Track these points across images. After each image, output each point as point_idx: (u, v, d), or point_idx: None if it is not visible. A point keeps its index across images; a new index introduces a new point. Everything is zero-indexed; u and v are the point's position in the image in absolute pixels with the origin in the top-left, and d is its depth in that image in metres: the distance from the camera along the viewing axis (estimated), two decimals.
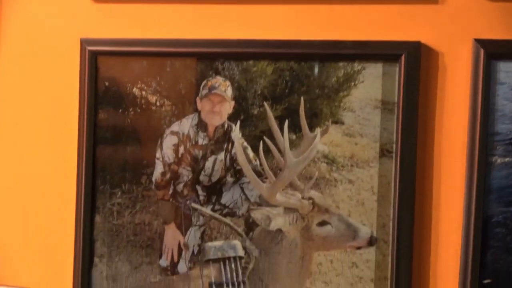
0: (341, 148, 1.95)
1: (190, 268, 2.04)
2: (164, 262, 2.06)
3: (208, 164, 2.02)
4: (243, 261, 2.01)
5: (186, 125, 2.03)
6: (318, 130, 1.95)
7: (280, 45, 1.95)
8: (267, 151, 1.96)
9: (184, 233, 2.04)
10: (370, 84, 1.92)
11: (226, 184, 2.02)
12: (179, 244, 2.05)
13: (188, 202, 2.04)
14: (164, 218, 2.06)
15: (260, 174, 1.98)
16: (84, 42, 2.05)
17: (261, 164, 1.96)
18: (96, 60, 2.05)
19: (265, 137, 1.97)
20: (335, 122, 1.95)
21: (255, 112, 1.98)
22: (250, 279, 2.00)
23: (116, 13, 2.08)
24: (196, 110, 2.02)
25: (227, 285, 2.01)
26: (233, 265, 2.01)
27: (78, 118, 2.07)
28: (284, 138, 1.93)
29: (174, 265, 2.05)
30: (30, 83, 2.14)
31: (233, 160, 2.01)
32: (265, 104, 1.97)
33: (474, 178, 1.85)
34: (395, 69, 1.89)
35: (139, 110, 2.05)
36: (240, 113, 1.99)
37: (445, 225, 1.90)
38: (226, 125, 2.01)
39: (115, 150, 2.07)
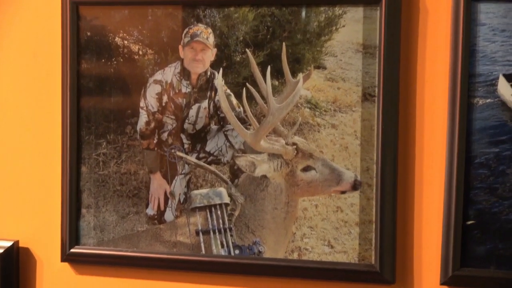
0: (323, 93, 1.96)
1: (176, 217, 2.06)
2: (151, 211, 2.07)
3: (192, 112, 2.03)
4: (229, 208, 2.02)
5: (169, 73, 2.03)
6: (300, 76, 1.95)
7: None
8: (250, 97, 1.96)
9: (170, 182, 2.06)
10: (351, 28, 1.92)
11: (210, 132, 2.03)
12: (165, 193, 2.06)
13: (173, 150, 2.05)
14: (150, 167, 2.07)
15: (244, 121, 1.98)
16: None
17: (244, 111, 1.97)
18: (78, 10, 2.05)
19: (248, 84, 1.97)
20: (317, 67, 1.95)
21: (238, 59, 1.99)
22: (237, 226, 2.02)
23: None
24: (178, 59, 2.02)
25: (214, 232, 2.02)
26: (219, 212, 2.02)
27: (61, 69, 2.07)
28: (266, 84, 1.93)
29: (161, 214, 2.07)
30: (10, 34, 2.14)
31: (217, 107, 2.01)
32: (247, 50, 1.97)
33: (456, 119, 1.85)
34: (376, 13, 1.89)
35: (121, 60, 2.05)
36: (223, 60, 1.99)
37: (428, 168, 1.91)
38: (209, 73, 2.01)
39: (99, 100, 2.08)
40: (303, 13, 1.94)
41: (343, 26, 1.92)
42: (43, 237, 2.16)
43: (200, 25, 2.00)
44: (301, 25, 1.95)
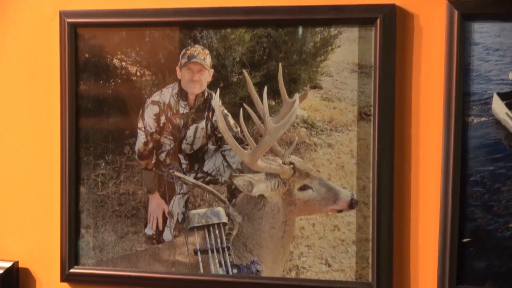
0: (320, 112, 1.97)
1: (175, 236, 2.07)
2: (149, 230, 2.08)
3: (190, 132, 2.05)
4: (226, 227, 2.03)
5: (166, 94, 2.05)
6: (296, 96, 1.97)
7: (257, 12, 1.96)
8: (247, 118, 1.98)
9: (168, 202, 2.07)
10: (347, 48, 1.94)
11: (208, 152, 2.05)
12: (163, 213, 2.07)
13: (171, 170, 2.06)
14: (148, 187, 2.08)
15: (241, 141, 2.00)
16: (63, 14, 2.07)
17: (242, 131, 1.98)
18: (76, 32, 2.07)
19: (245, 104, 1.99)
20: (313, 87, 1.97)
21: (234, 79, 2.00)
22: (234, 245, 2.03)
23: None
24: (176, 79, 2.04)
25: (212, 251, 2.03)
26: (217, 232, 2.03)
27: (60, 90, 2.08)
28: (263, 104, 1.95)
29: (159, 233, 2.08)
30: (10, 57, 2.15)
31: (214, 127, 2.03)
32: (244, 71, 1.99)
33: (452, 138, 1.87)
34: (371, 33, 1.91)
35: (119, 81, 2.07)
36: (220, 81, 2.01)
37: (424, 186, 1.92)
38: (206, 93, 2.03)
39: (97, 121, 2.09)
40: (299, 34, 1.96)
41: (339, 46, 1.94)
42: (42, 258, 2.17)
43: (197, 46, 2.02)
44: (297, 46, 1.97)
